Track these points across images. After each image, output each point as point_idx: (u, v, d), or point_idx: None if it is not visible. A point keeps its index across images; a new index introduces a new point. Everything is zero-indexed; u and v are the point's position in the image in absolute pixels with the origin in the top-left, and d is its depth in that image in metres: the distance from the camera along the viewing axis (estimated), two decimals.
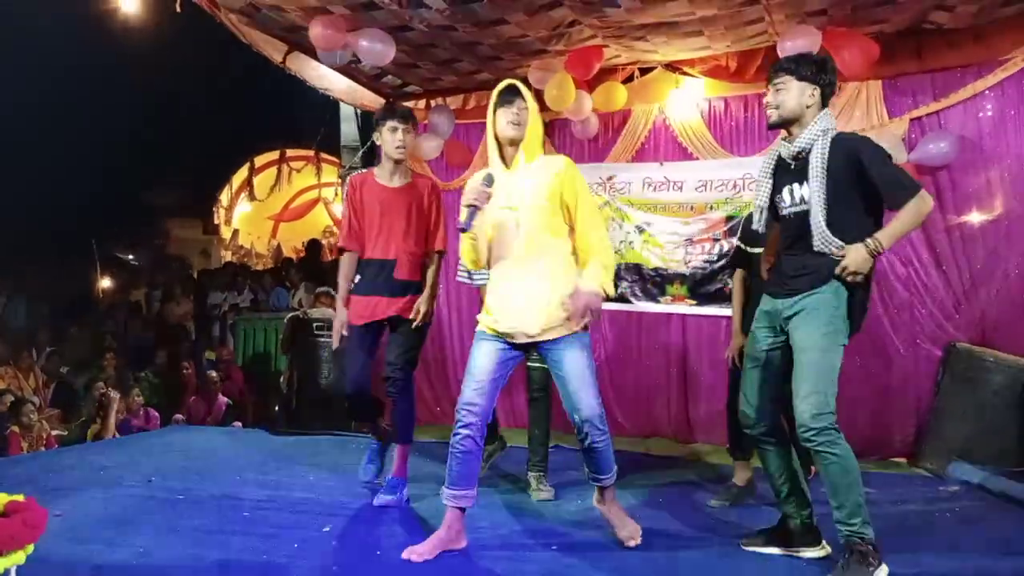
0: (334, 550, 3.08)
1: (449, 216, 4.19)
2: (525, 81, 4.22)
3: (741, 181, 5.68)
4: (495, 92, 3.14)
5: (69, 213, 12.33)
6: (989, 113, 5.12)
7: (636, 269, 5.97)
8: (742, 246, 4.17)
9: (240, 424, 6.90)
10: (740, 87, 5.73)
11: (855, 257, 2.82)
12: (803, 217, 2.96)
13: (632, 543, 3.17)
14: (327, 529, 3.33)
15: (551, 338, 3.06)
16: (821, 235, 2.88)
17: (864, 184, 2.90)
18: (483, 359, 3.10)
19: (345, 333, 3.82)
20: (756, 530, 3.26)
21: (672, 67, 5.84)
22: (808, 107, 2.99)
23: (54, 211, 12.46)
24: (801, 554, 3.06)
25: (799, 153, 3.00)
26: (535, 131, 3.14)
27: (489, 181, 3.07)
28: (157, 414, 6.82)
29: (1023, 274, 5.04)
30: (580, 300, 2.98)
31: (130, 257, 14.44)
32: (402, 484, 3.82)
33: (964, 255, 5.18)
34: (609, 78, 5.89)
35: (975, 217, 5.16)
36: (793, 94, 2.98)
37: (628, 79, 5.97)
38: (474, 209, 3.02)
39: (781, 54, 5.05)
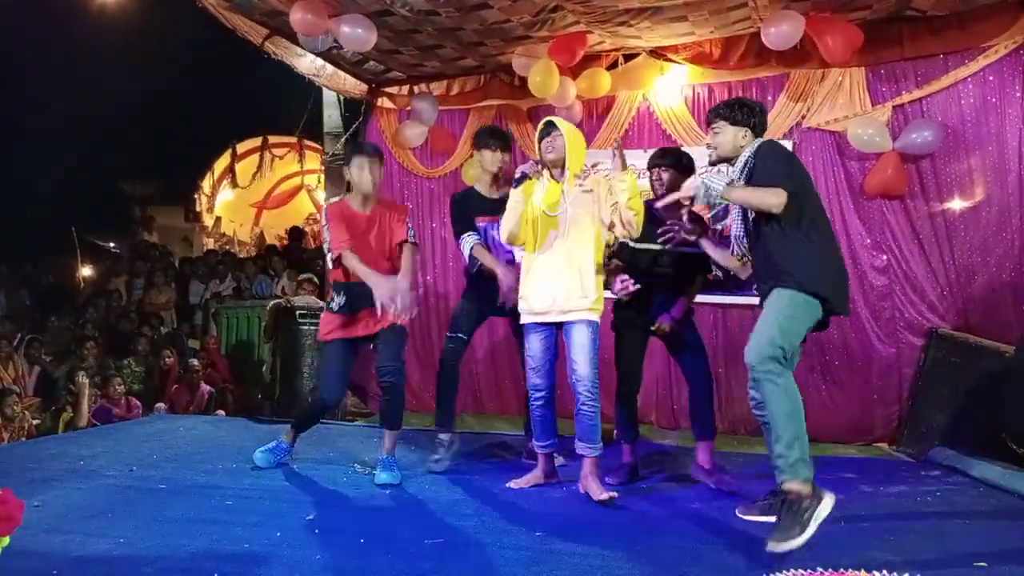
0: (317, 539, 3.06)
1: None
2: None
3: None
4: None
5: (48, 201, 12.20)
6: (972, 100, 5.14)
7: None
8: (630, 243, 4.12)
9: (223, 412, 6.86)
10: (724, 74, 5.72)
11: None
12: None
13: (605, 496, 3.60)
14: (310, 518, 3.32)
15: (573, 319, 3.70)
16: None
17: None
18: (535, 345, 3.83)
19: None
20: (754, 501, 3.44)
21: (656, 53, 5.82)
22: (742, 147, 3.42)
23: (33, 200, 12.32)
24: None
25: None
26: (574, 151, 3.77)
27: (539, 161, 3.82)
28: (139, 403, 6.76)
29: (1006, 261, 5.08)
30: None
31: (111, 245, 14.28)
32: (394, 463, 4.08)
33: (947, 242, 5.22)
34: (593, 65, 5.87)
35: (958, 204, 5.19)
36: (728, 137, 3.43)
37: (612, 66, 5.96)
38: (523, 176, 3.77)
39: (765, 40, 5.06)
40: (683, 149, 4.48)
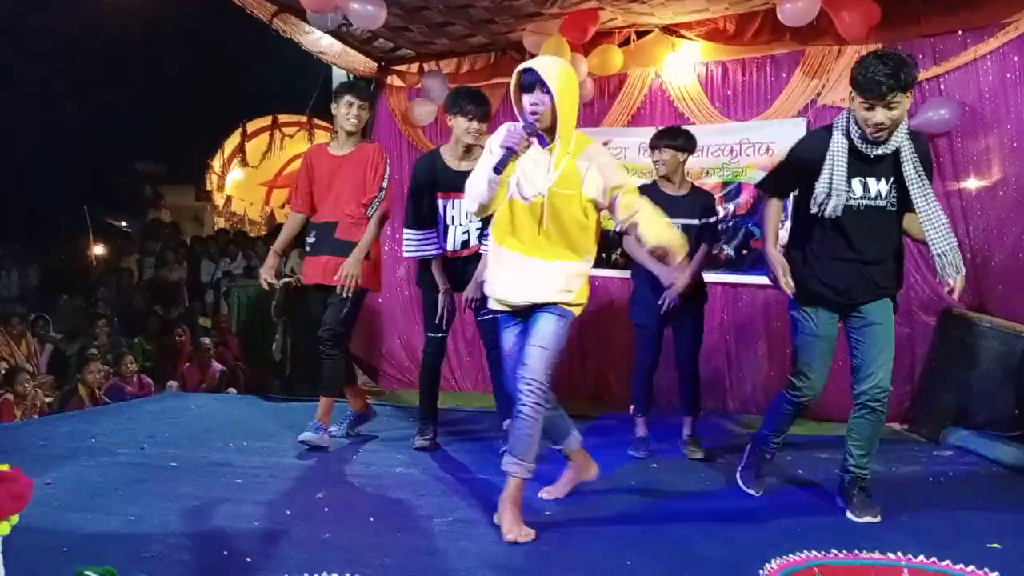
0: (327, 517, 3.06)
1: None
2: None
3: (738, 146, 5.62)
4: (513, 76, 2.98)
5: (59, 181, 12.22)
6: (990, 78, 5.05)
7: None
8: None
9: (234, 390, 6.88)
10: (738, 50, 5.65)
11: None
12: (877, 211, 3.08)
13: (509, 539, 2.82)
14: (320, 496, 3.32)
15: (544, 302, 3.00)
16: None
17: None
18: (511, 341, 3.13)
19: (273, 283, 4.26)
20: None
21: (669, 30, 5.75)
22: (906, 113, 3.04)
23: (43, 180, 12.35)
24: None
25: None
26: (567, 113, 2.93)
27: (531, 130, 2.88)
28: (151, 381, 6.79)
29: (1023, 241, 5.01)
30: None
31: (123, 224, 14.33)
32: (324, 428, 4.12)
33: (963, 222, 5.14)
34: (605, 42, 5.80)
35: (974, 184, 5.11)
36: (904, 108, 2.94)
37: (624, 42, 5.89)
38: (509, 152, 2.83)
39: (780, 16, 4.98)
40: (686, 128, 4.41)
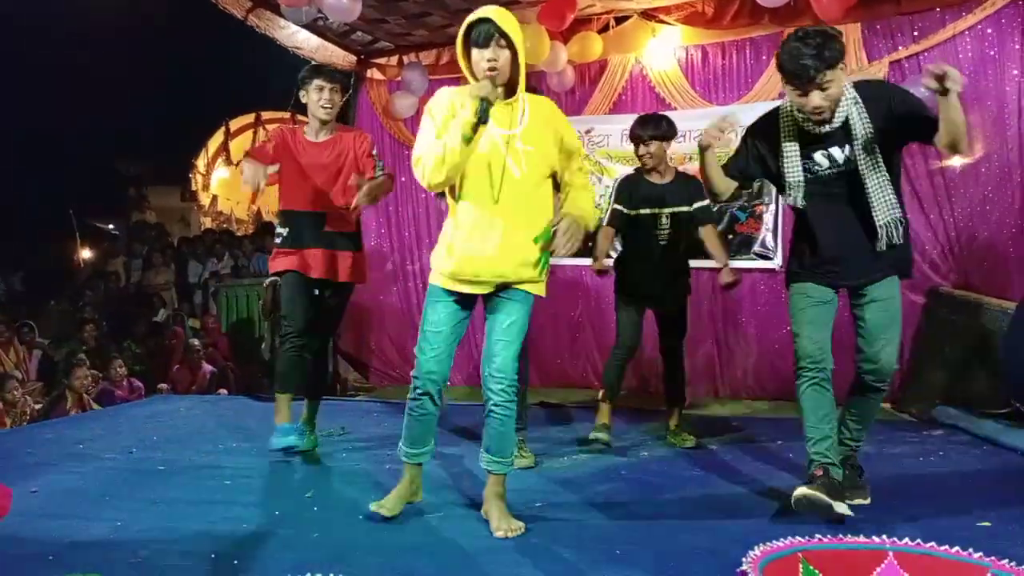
0: (316, 516, 3.05)
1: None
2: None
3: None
4: (464, 26, 2.77)
5: (44, 184, 12.13)
6: (970, 54, 5.05)
7: None
8: (621, 209, 4.16)
9: (225, 391, 6.86)
10: (718, 33, 5.64)
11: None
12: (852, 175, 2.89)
13: (499, 535, 2.78)
14: (309, 495, 3.30)
15: (510, 294, 2.83)
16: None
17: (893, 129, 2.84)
18: (442, 318, 2.85)
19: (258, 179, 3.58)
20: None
21: (648, 15, 5.73)
22: (844, 87, 2.82)
23: (29, 182, 12.26)
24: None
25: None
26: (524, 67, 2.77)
27: (494, 82, 2.68)
28: (141, 384, 6.76)
29: (1007, 218, 5.02)
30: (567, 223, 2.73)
31: (110, 226, 14.25)
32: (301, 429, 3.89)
33: (947, 201, 5.16)
34: (584, 28, 5.79)
35: (957, 162, 5.11)
36: (837, 84, 2.76)
37: (603, 29, 5.87)
38: (488, 103, 2.62)
39: None
40: (664, 114, 4.30)
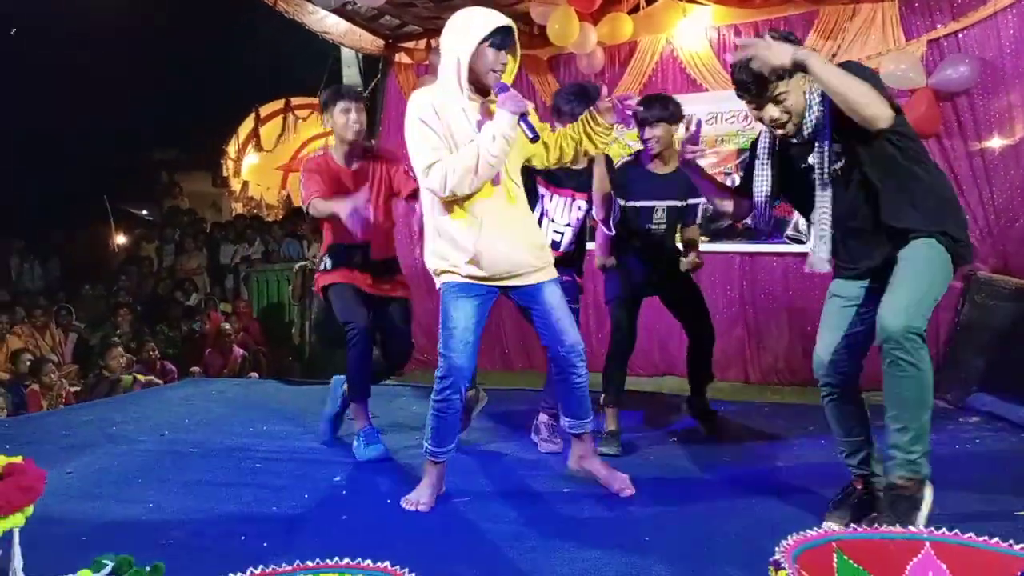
0: (345, 500, 3.07)
1: None
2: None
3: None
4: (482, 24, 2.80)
5: (77, 171, 12.29)
6: (1011, 32, 4.90)
7: None
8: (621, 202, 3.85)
9: (256, 375, 6.93)
10: (750, 13, 5.55)
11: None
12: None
13: (628, 492, 3.00)
14: (338, 479, 3.33)
15: (543, 278, 2.97)
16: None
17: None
18: (468, 313, 2.90)
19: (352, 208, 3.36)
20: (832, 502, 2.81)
21: None
22: (805, 93, 2.56)
23: (65, 169, 12.42)
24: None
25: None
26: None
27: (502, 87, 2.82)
28: (174, 368, 6.85)
29: None
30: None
31: (144, 212, 14.43)
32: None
33: (986, 183, 5.03)
34: (614, 9, 5.72)
35: (996, 143, 4.99)
36: (795, 94, 2.54)
37: (633, 10, 5.79)
38: (525, 117, 2.78)
39: None
40: (669, 95, 4.03)
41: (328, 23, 5.99)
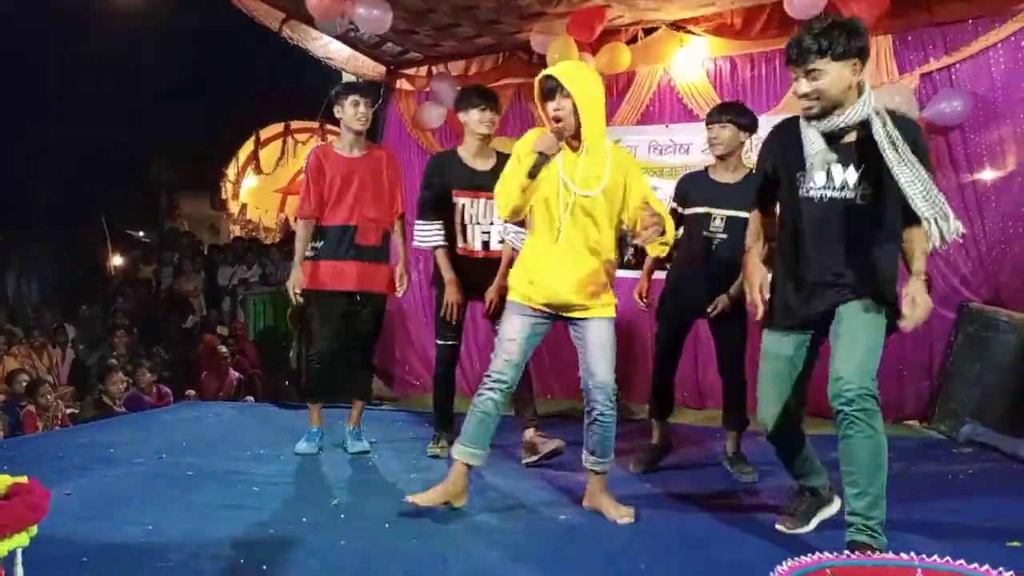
0: (342, 524, 3.08)
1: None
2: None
3: (748, 142, 5.58)
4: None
5: (77, 191, 12.34)
6: (1002, 66, 4.99)
7: None
8: (675, 207, 3.87)
9: (251, 398, 6.93)
10: (746, 45, 5.62)
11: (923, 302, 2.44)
12: (841, 205, 2.59)
13: (625, 521, 3.07)
14: (336, 503, 3.33)
15: (591, 315, 3.12)
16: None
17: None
18: (521, 328, 3.14)
19: (299, 297, 4.05)
20: (787, 509, 3.00)
21: (676, 26, 5.73)
22: (851, 88, 2.52)
23: (63, 188, 12.47)
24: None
25: (843, 130, 2.57)
26: (590, 114, 3.01)
27: (560, 135, 2.96)
28: (169, 390, 6.84)
29: None
30: None
31: (140, 234, 14.48)
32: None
33: (979, 215, 5.08)
34: (612, 39, 5.79)
35: (989, 175, 5.06)
36: (832, 77, 2.48)
37: (632, 40, 5.88)
38: (544, 158, 2.94)
39: (788, 9, 4.93)
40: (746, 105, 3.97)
41: (331, 49, 6.07)
